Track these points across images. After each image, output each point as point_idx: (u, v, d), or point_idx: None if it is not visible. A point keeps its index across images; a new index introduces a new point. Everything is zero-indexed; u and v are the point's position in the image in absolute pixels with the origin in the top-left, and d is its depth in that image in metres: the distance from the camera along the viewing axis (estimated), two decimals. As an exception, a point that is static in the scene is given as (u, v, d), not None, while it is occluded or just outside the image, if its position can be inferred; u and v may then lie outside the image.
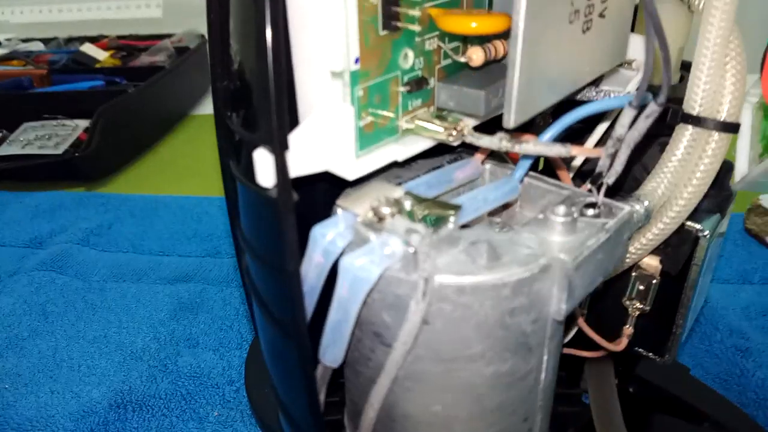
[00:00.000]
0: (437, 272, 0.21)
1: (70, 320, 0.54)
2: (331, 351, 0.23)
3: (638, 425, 0.38)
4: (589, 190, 0.24)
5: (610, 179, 0.23)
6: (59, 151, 0.77)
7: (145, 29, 1.09)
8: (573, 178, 0.30)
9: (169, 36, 1.04)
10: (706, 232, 0.30)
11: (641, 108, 0.21)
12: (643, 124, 0.21)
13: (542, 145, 0.22)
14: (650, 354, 0.35)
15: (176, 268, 0.60)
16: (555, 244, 0.22)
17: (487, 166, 0.28)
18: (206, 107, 1.01)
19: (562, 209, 0.22)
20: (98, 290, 0.58)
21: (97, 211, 0.72)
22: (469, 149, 0.28)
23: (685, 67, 0.33)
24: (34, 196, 0.75)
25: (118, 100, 0.81)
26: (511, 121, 0.21)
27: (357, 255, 0.21)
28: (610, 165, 0.23)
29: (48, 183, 0.78)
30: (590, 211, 0.24)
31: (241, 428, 0.42)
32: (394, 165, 0.25)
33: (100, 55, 0.97)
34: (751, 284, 0.53)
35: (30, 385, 0.47)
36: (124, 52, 1.00)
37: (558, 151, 0.22)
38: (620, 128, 0.22)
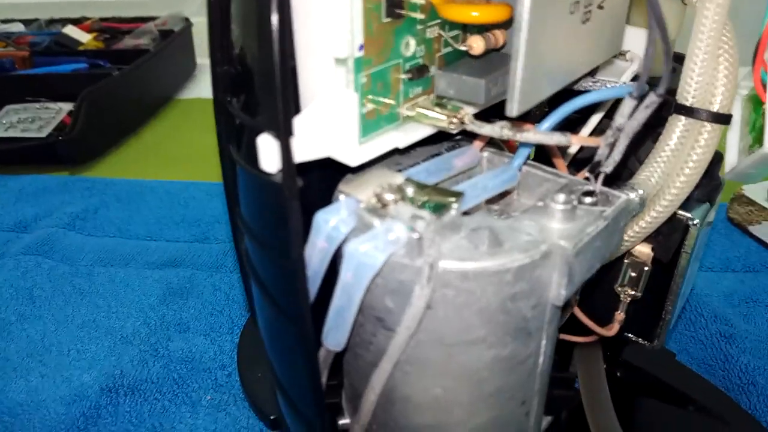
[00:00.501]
0: (441, 258, 0.21)
1: (57, 305, 0.54)
2: (334, 335, 0.24)
3: (625, 409, 0.39)
4: (587, 179, 0.25)
5: (608, 168, 0.24)
6: (43, 134, 0.76)
7: (129, 12, 1.07)
8: (567, 166, 0.30)
9: (153, 19, 1.03)
10: (696, 221, 0.31)
11: (641, 98, 0.22)
12: (643, 114, 0.22)
13: (543, 134, 0.23)
14: (640, 339, 0.36)
15: (164, 254, 0.60)
16: (555, 231, 0.23)
17: (485, 154, 0.28)
18: (190, 91, 1.00)
19: (561, 197, 0.23)
20: (86, 275, 0.58)
21: (82, 195, 0.71)
22: (466, 137, 0.28)
23: (677, 59, 0.34)
24: (17, 179, 0.74)
25: (103, 83, 0.80)
26: (514, 109, 0.22)
27: (361, 241, 0.22)
28: (609, 154, 0.23)
29: (31, 167, 0.77)
30: (588, 199, 0.24)
31: (234, 412, 0.43)
32: (394, 152, 0.26)
33: (83, 37, 0.95)
34: (734, 272, 0.54)
35: (19, 369, 0.47)
36: (107, 35, 0.99)
37: (558, 139, 0.22)
38: (620, 118, 0.22)
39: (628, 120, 0.22)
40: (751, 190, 0.59)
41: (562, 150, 0.30)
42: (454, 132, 0.25)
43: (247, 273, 0.30)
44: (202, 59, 1.05)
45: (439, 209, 0.22)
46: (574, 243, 0.22)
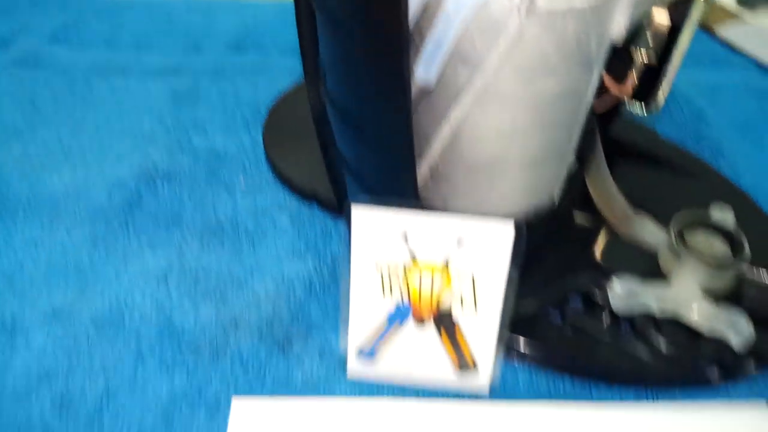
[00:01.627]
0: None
1: (65, 112, 0.54)
2: (428, 66, 0.27)
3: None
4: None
5: None
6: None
7: None
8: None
9: None
10: (705, -10, 0.35)
11: None
12: None
13: None
14: (639, 104, 0.41)
15: (160, 62, 0.60)
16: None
17: None
18: None
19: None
20: (84, 83, 0.58)
21: (57, 10, 0.69)
22: None
23: None
24: (-21, -5, 0.71)
25: None
26: None
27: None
28: None
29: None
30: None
31: (270, 192, 0.46)
32: None
33: None
34: (701, 66, 0.60)
35: (48, 166, 0.49)
36: None
37: None
38: None
39: None
40: (719, -8, 0.63)
41: None
42: None
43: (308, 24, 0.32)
44: None
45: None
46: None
